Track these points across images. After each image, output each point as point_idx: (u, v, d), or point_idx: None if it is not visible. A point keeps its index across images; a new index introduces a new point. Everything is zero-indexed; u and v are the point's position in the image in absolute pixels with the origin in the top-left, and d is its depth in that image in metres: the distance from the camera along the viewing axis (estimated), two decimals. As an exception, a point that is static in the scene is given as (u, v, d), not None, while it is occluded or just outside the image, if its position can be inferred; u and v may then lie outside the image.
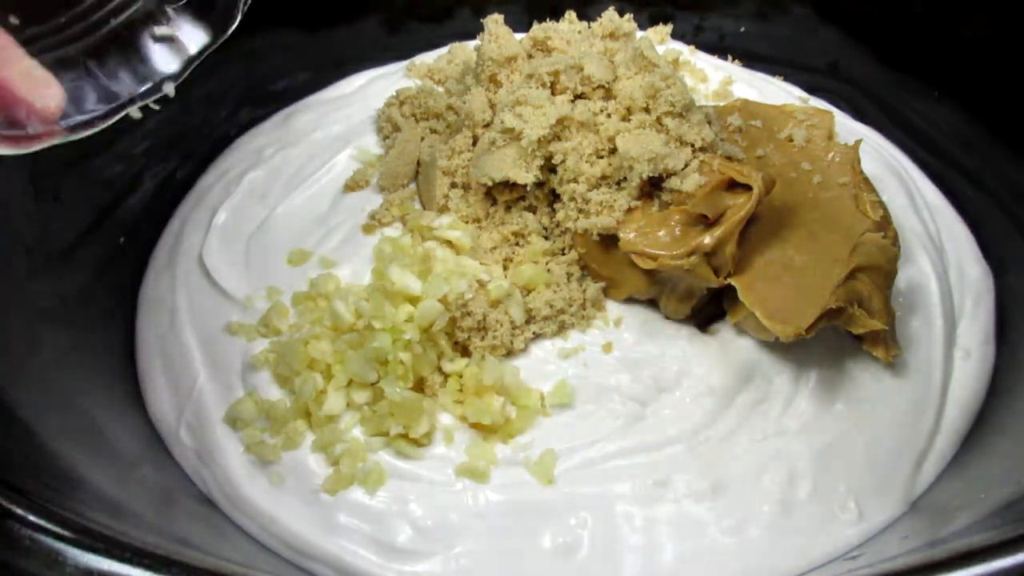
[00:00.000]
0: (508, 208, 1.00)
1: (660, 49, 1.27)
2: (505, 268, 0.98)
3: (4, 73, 0.58)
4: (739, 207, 0.88)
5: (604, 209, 0.93)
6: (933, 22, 1.15)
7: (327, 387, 0.89)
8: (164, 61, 0.70)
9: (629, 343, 0.95)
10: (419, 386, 0.90)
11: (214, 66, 1.17)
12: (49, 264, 0.92)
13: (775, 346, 0.93)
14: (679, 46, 1.32)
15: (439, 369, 0.91)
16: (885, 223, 0.95)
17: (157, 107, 0.71)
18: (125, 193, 1.07)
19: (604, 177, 0.94)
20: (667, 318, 0.97)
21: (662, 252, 0.90)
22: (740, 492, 0.86)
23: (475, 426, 0.89)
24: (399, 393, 0.85)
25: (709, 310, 0.98)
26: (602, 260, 0.96)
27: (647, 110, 0.96)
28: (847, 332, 0.90)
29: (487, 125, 0.99)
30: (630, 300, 0.98)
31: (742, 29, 1.34)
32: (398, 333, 0.86)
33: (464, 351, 0.93)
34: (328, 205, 1.09)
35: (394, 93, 1.19)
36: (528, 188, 0.96)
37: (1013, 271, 1.04)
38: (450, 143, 1.03)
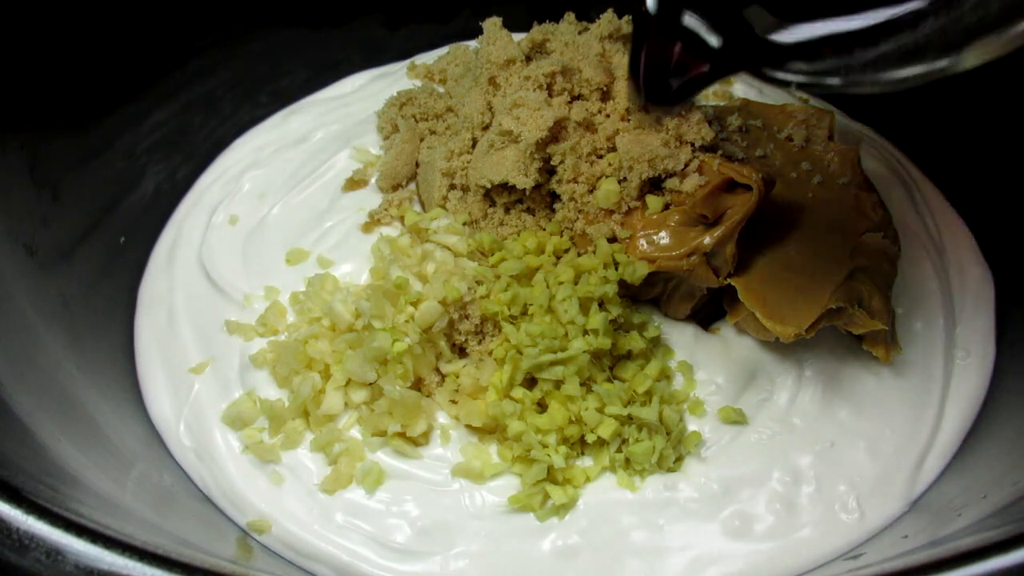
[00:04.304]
0: (507, 210, 1.00)
1: (660, 49, 1.27)
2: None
3: None
4: (739, 207, 0.88)
5: (603, 211, 0.93)
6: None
7: (325, 386, 0.89)
8: None
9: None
10: (416, 386, 0.90)
11: (214, 66, 1.21)
12: (49, 264, 0.92)
13: (776, 346, 0.93)
14: (679, 46, 1.32)
15: (437, 370, 0.91)
16: (885, 223, 0.95)
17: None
18: (125, 193, 1.07)
19: (604, 177, 0.94)
20: (667, 317, 0.97)
21: (662, 253, 0.90)
22: (746, 492, 0.86)
23: (470, 427, 0.89)
24: (398, 391, 0.85)
25: (709, 310, 0.97)
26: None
27: (646, 110, 0.96)
28: (847, 332, 0.90)
29: (486, 127, 0.99)
30: (632, 300, 0.98)
31: (742, 29, 1.34)
32: (398, 333, 0.86)
33: (461, 352, 0.93)
34: (327, 204, 1.09)
35: (394, 93, 1.19)
36: (527, 191, 0.96)
37: (1013, 271, 1.04)
38: (450, 144, 1.03)
